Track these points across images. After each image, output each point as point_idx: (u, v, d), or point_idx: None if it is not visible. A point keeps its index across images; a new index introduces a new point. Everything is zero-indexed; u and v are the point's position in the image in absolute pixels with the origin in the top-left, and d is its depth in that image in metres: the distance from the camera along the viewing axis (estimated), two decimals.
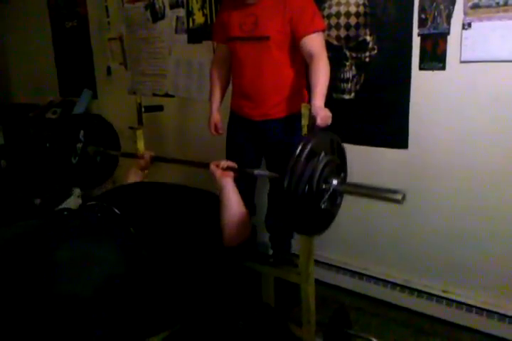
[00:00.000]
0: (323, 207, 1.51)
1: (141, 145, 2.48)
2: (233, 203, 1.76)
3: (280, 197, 1.46)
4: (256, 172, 1.89)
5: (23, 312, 1.29)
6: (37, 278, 1.31)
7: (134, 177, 2.19)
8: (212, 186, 2.00)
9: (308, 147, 1.45)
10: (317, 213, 1.54)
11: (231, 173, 1.84)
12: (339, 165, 1.60)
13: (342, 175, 1.60)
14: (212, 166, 1.84)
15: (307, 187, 1.45)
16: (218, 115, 2.45)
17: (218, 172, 1.82)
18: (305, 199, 1.45)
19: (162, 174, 2.73)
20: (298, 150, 1.44)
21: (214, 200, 1.89)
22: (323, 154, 1.50)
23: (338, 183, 1.52)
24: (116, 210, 1.61)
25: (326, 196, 1.50)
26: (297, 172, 1.42)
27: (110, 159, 2.45)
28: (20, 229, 1.52)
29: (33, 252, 1.37)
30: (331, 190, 1.51)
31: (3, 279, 1.33)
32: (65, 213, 1.64)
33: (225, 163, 1.84)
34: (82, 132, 2.29)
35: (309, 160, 1.45)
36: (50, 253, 1.37)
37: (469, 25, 2.02)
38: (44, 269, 1.33)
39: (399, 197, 1.42)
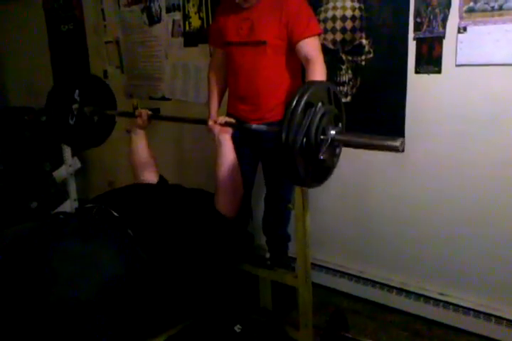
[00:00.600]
0: (321, 158, 1.49)
1: None
2: (229, 161, 1.85)
3: (279, 151, 1.44)
4: (254, 126, 1.91)
5: (23, 317, 1.29)
6: (35, 283, 1.31)
7: (136, 137, 2.23)
8: (209, 185, 2.01)
9: (305, 98, 1.42)
10: (316, 164, 1.52)
11: (229, 129, 1.90)
12: (336, 115, 1.57)
13: (340, 124, 1.58)
14: (211, 122, 1.89)
15: (305, 138, 1.43)
16: None
17: (217, 128, 1.88)
18: (303, 151, 1.43)
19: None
20: (294, 101, 1.41)
21: (210, 204, 1.90)
22: (320, 104, 1.47)
23: (336, 133, 1.50)
24: (114, 212, 1.61)
25: (325, 147, 1.48)
26: (294, 124, 1.40)
27: (108, 119, 2.42)
28: (18, 232, 1.52)
29: (31, 256, 1.37)
30: (329, 140, 1.49)
31: (2, 283, 1.33)
32: (61, 216, 1.65)
33: (223, 119, 1.89)
34: (77, 92, 2.25)
35: (306, 110, 1.43)
36: (48, 256, 1.37)
37: (465, 29, 2.03)
38: (42, 273, 1.33)
39: (397, 143, 1.40)
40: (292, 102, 1.42)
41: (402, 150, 1.43)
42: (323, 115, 1.46)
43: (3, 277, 1.35)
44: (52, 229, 1.52)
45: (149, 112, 2.22)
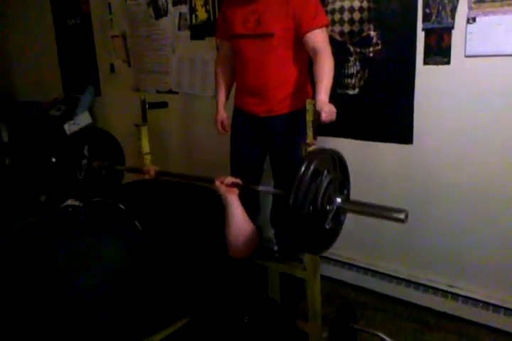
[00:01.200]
0: (327, 227, 1.52)
1: (145, 142, 2.49)
2: (239, 220, 1.78)
3: (285, 214, 1.46)
4: (261, 188, 1.91)
5: (32, 309, 1.30)
6: (43, 275, 1.32)
7: None
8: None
9: (312, 166, 1.45)
10: (321, 233, 1.55)
11: (236, 190, 1.83)
12: (342, 182, 1.60)
13: (345, 192, 1.61)
14: (217, 182, 1.83)
15: (311, 207, 1.46)
16: (225, 112, 2.45)
17: (223, 189, 1.82)
18: (309, 220, 1.46)
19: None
20: (302, 170, 1.44)
21: (218, 197, 1.91)
22: (325, 172, 1.51)
23: (341, 201, 1.55)
24: (121, 206, 1.62)
25: (330, 216, 1.52)
26: (302, 192, 1.43)
27: (116, 173, 2.46)
28: (26, 225, 1.53)
29: (39, 248, 1.38)
30: (335, 209, 1.53)
31: (11, 276, 1.34)
32: (70, 210, 1.65)
33: (229, 180, 1.83)
34: (86, 147, 2.31)
35: (313, 179, 1.46)
36: (56, 249, 1.38)
37: (474, 19, 2.02)
38: (50, 266, 1.33)
39: (402, 216, 1.45)
40: (301, 169, 1.45)
41: (406, 221, 1.47)
42: (329, 183, 1.49)
43: (11, 271, 1.36)
44: (61, 222, 1.53)
45: (157, 168, 2.21)
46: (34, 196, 3.89)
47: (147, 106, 2.49)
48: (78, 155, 2.30)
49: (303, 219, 1.44)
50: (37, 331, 1.31)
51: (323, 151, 1.65)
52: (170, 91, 3.39)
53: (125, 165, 2.55)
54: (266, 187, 1.96)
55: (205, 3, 3.00)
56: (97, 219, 1.58)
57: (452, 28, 2.08)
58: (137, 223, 1.57)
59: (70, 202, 3.10)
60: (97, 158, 2.36)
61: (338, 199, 1.54)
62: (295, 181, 1.43)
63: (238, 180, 1.86)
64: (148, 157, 2.50)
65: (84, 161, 2.29)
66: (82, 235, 1.47)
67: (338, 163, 1.61)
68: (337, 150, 1.66)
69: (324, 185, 1.48)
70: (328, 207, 1.51)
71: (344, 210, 1.59)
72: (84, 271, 1.36)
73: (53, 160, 2.33)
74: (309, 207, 1.45)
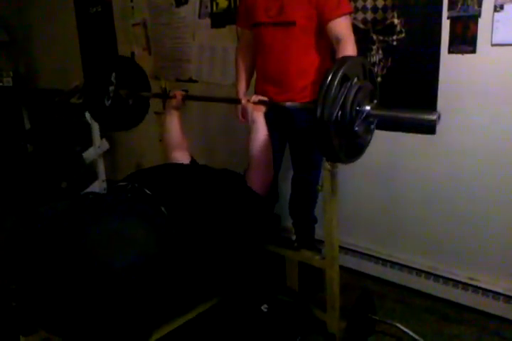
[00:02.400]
0: (356, 129, 1.49)
1: None
2: (262, 137, 1.92)
3: (313, 126, 1.45)
4: (288, 104, 1.96)
5: (65, 289, 1.32)
6: (70, 253, 1.34)
7: (170, 117, 2.28)
8: (236, 165, 2.02)
9: (341, 71, 1.42)
10: (350, 138, 1.53)
11: (262, 107, 1.96)
12: (371, 91, 1.57)
13: (375, 101, 1.58)
14: (244, 101, 1.98)
15: (340, 112, 1.44)
16: None
17: (250, 106, 1.95)
18: (338, 124, 1.44)
19: None
20: (330, 75, 1.42)
21: (241, 181, 1.92)
22: (356, 79, 1.48)
23: (371, 108, 1.52)
24: (146, 190, 1.63)
25: (360, 120, 1.50)
26: (330, 97, 1.41)
27: (142, 102, 2.47)
28: (55, 208, 1.55)
29: (69, 230, 1.39)
30: (364, 113, 1.51)
31: (44, 257, 1.37)
32: (91, 196, 1.67)
33: (256, 97, 1.96)
34: (114, 74, 2.32)
35: (342, 84, 1.44)
36: (85, 231, 1.40)
37: (501, 7, 1.97)
38: (77, 245, 1.35)
39: (433, 117, 1.41)
40: (329, 75, 1.42)
41: (436, 124, 1.43)
42: (359, 89, 1.46)
43: (44, 250, 1.38)
44: (90, 206, 1.54)
45: (183, 93, 2.25)
46: (56, 182, 3.94)
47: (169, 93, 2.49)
48: (105, 82, 2.31)
49: (331, 122, 1.41)
50: (71, 311, 1.34)
51: (352, 58, 1.62)
52: (190, 80, 3.39)
53: (150, 91, 2.55)
54: (293, 104, 1.99)
55: None
56: (123, 203, 1.59)
57: (479, 16, 2.03)
58: (163, 208, 1.58)
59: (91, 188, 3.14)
60: (124, 87, 2.37)
61: (368, 107, 1.52)
62: (323, 84, 1.41)
63: (264, 98, 1.97)
64: None
65: (112, 88, 2.32)
66: (110, 218, 1.48)
67: (367, 72, 1.58)
68: (366, 59, 1.62)
69: (354, 89, 1.46)
70: (358, 108, 1.48)
71: (374, 117, 1.56)
72: (111, 253, 1.37)
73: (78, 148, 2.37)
74: (338, 111, 1.43)
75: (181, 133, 2.27)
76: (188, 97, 2.27)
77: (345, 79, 1.44)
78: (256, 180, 1.90)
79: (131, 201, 1.60)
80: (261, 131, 1.93)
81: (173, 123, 2.26)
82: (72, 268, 1.32)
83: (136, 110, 2.44)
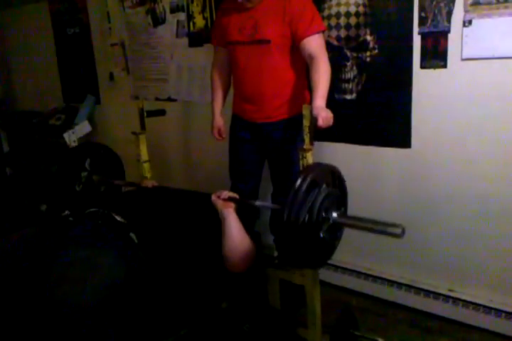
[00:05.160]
0: (322, 235, 1.52)
1: (144, 150, 2.49)
2: (235, 235, 1.75)
3: (280, 228, 1.47)
4: (257, 203, 1.90)
5: (25, 318, 1.29)
6: (39, 285, 1.31)
7: None
8: (216, 184, 2.01)
9: (309, 178, 1.46)
10: (317, 243, 1.55)
11: (232, 204, 1.82)
12: (339, 199, 1.61)
13: (342, 209, 1.62)
14: (214, 197, 1.83)
15: (307, 217, 1.46)
16: (221, 119, 2.46)
17: (220, 203, 1.81)
18: (305, 229, 1.46)
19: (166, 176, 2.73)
20: (299, 182, 1.45)
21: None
22: (324, 186, 1.51)
23: (338, 216, 1.55)
24: (117, 217, 1.62)
25: (326, 226, 1.53)
26: (297, 203, 1.43)
27: (114, 189, 2.47)
28: (22, 237, 1.53)
29: (35, 260, 1.37)
30: (331, 221, 1.54)
31: (4, 287, 1.34)
32: (71, 219, 1.65)
33: (226, 194, 1.83)
34: (88, 160, 2.33)
35: (310, 191, 1.47)
36: (52, 260, 1.38)
37: (470, 22, 2.01)
38: (44, 277, 1.33)
39: (398, 231, 1.45)
40: (298, 179, 1.46)
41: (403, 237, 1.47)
42: (326, 196, 1.50)
43: (5, 282, 1.36)
44: (56, 234, 1.53)
45: (155, 184, 2.23)
46: (35, 205, 3.89)
47: (145, 114, 2.50)
48: (79, 168, 2.31)
49: (298, 228, 1.43)
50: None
51: (322, 165, 1.65)
52: (169, 99, 3.40)
53: (125, 178, 2.57)
54: (262, 203, 1.96)
55: (203, 11, 3.01)
56: (92, 230, 1.58)
57: (448, 31, 2.08)
58: (132, 234, 1.57)
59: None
60: (97, 173, 2.38)
61: (335, 214, 1.54)
62: (290, 194, 1.44)
63: (235, 195, 1.85)
64: (147, 165, 2.51)
65: (84, 174, 2.31)
66: (77, 246, 1.46)
67: (337, 179, 1.61)
68: (337, 167, 1.66)
69: (321, 196, 1.48)
70: (324, 215, 1.50)
71: (340, 225, 1.60)
72: (77, 284, 1.35)
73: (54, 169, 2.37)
74: (305, 217, 1.45)
75: None
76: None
77: (313, 184, 1.48)
78: (234, 269, 1.80)
79: (100, 228, 1.58)
80: (233, 230, 1.77)
81: None
82: (33, 304, 1.29)
83: (108, 195, 2.45)
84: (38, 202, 3.92)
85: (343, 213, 1.62)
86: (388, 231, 1.49)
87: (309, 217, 1.46)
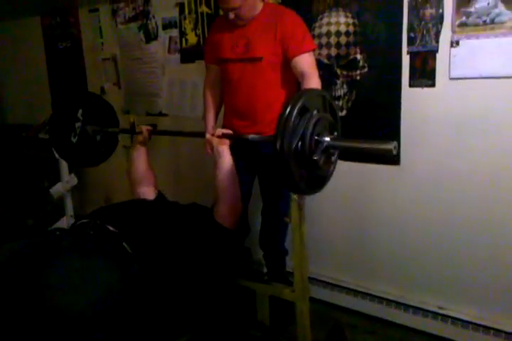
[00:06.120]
0: (315, 158, 1.50)
1: None
2: (228, 171, 1.90)
3: (274, 156, 1.46)
4: (250, 136, 1.96)
5: (20, 329, 1.28)
6: (33, 297, 1.30)
7: (136, 153, 2.25)
8: (205, 200, 2.01)
9: (300, 103, 1.44)
10: (311, 168, 1.54)
11: (227, 141, 1.94)
12: (332, 124, 1.60)
13: (335, 133, 1.60)
14: (208, 135, 1.96)
15: (300, 143, 1.46)
16: None
17: (215, 140, 1.93)
18: (298, 154, 1.46)
19: None
20: (289, 107, 1.43)
21: (206, 214, 1.91)
22: (315, 111, 1.50)
23: (331, 139, 1.54)
24: (109, 227, 1.61)
25: (320, 149, 1.51)
26: (289, 129, 1.42)
27: (110, 138, 2.46)
28: (15, 248, 1.51)
29: (28, 271, 1.36)
30: (324, 144, 1.52)
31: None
32: (58, 233, 1.64)
33: (219, 131, 1.95)
34: (80, 111, 2.29)
35: (301, 116, 1.45)
36: (44, 272, 1.37)
37: (457, 43, 2.06)
38: (38, 288, 1.32)
39: (391, 146, 1.44)
40: (287, 107, 1.44)
41: (396, 154, 1.51)
42: (318, 121, 1.48)
43: (2, 292, 1.34)
44: (49, 245, 1.52)
45: (150, 128, 2.25)
46: (22, 220, 3.86)
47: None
48: (72, 119, 2.28)
49: (291, 152, 1.43)
50: None
51: (312, 90, 1.63)
52: (160, 114, 3.41)
53: (119, 126, 2.53)
54: (255, 136, 1.98)
55: (195, 28, 3.04)
56: (84, 240, 1.57)
57: (436, 51, 2.12)
58: (125, 244, 1.56)
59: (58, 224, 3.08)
60: (91, 123, 2.35)
61: (327, 138, 1.53)
62: (281, 116, 1.42)
63: (229, 131, 1.96)
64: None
65: (78, 124, 2.29)
66: (71, 257, 1.46)
67: (327, 104, 1.60)
68: (327, 92, 1.65)
69: (313, 121, 1.47)
70: (316, 138, 1.49)
71: (334, 148, 1.58)
72: (73, 293, 1.34)
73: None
74: (297, 143, 1.44)
75: (148, 169, 2.24)
76: (154, 132, 2.27)
77: (304, 110, 1.46)
78: (224, 213, 1.89)
79: (93, 238, 1.58)
80: (226, 166, 1.93)
81: (140, 158, 2.24)
82: (30, 314, 1.28)
83: (104, 146, 2.43)
84: (25, 216, 3.89)
85: (336, 137, 1.60)
86: (381, 147, 1.49)
87: (302, 143, 1.46)
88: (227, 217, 1.88)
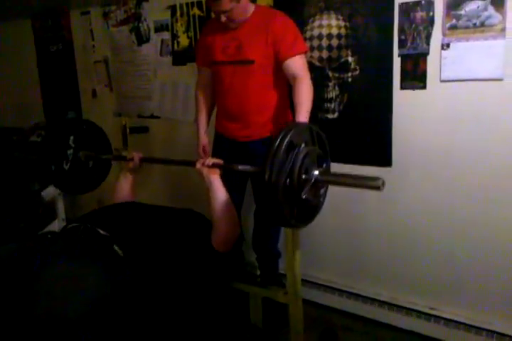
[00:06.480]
0: (304, 197, 1.52)
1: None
2: (221, 200, 1.84)
3: (262, 190, 1.47)
4: (240, 167, 1.93)
5: (10, 333, 1.27)
6: (23, 300, 1.30)
7: (124, 180, 2.22)
8: (199, 205, 2.01)
9: (287, 138, 1.46)
10: (299, 204, 1.55)
11: (217, 170, 1.91)
12: (320, 156, 1.61)
13: (324, 165, 1.62)
14: (198, 165, 1.91)
15: (288, 179, 1.47)
16: (206, 137, 2.47)
17: (205, 170, 1.89)
18: (287, 191, 1.47)
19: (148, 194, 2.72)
20: (277, 142, 1.45)
21: (201, 220, 1.90)
22: (303, 145, 1.51)
23: (319, 173, 1.55)
24: (100, 231, 1.61)
25: (308, 186, 1.52)
26: (277, 165, 1.44)
27: (103, 163, 2.45)
28: (4, 252, 1.51)
29: (18, 275, 1.36)
30: (313, 180, 1.54)
31: None
32: (49, 236, 1.64)
33: (210, 161, 1.91)
34: (72, 138, 2.29)
35: (289, 151, 1.47)
36: (34, 276, 1.36)
37: (448, 45, 2.07)
38: (28, 292, 1.31)
39: (378, 183, 1.46)
40: (275, 143, 1.46)
41: (382, 189, 1.48)
42: (305, 155, 1.50)
43: None
44: (39, 249, 1.51)
45: (141, 155, 2.23)
46: (13, 222, 3.83)
47: (128, 130, 2.50)
48: (63, 146, 2.28)
49: (279, 190, 1.44)
50: None
51: (299, 124, 1.65)
52: (152, 116, 3.40)
53: (111, 152, 2.53)
54: (244, 166, 1.96)
55: (187, 30, 3.04)
56: (75, 244, 1.57)
57: (427, 53, 2.13)
58: (116, 247, 1.56)
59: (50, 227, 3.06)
60: (83, 149, 2.34)
61: (316, 172, 1.55)
62: (269, 152, 1.44)
63: (219, 161, 1.92)
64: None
65: (70, 151, 2.28)
66: (61, 261, 1.45)
67: (316, 137, 1.61)
68: (314, 124, 1.66)
69: (301, 156, 1.48)
70: (304, 177, 1.50)
71: (323, 183, 1.59)
72: (64, 296, 1.34)
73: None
74: (286, 178, 1.45)
75: (130, 195, 2.20)
76: (145, 160, 2.24)
77: (291, 146, 1.48)
78: (220, 241, 1.84)
79: (83, 242, 1.57)
80: (219, 194, 1.86)
81: (125, 185, 2.21)
82: (19, 320, 1.28)
83: (97, 172, 2.44)
84: (17, 219, 3.86)
85: (325, 170, 1.62)
86: (369, 184, 1.51)
87: (290, 179, 1.47)
88: (222, 244, 1.84)
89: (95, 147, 2.40)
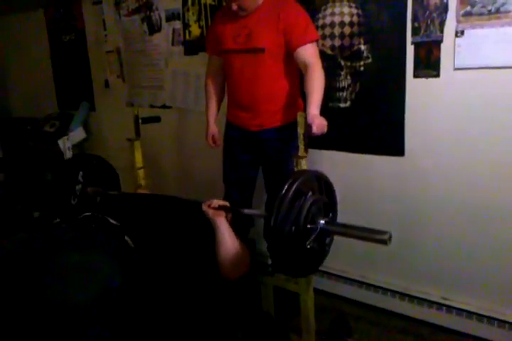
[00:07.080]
0: (309, 246, 1.51)
1: (138, 156, 2.50)
2: (227, 243, 1.78)
3: (267, 236, 1.47)
4: (246, 211, 1.90)
5: (23, 320, 1.29)
6: (33, 290, 1.31)
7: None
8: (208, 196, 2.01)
9: (294, 186, 1.46)
10: (304, 253, 1.54)
11: (223, 212, 1.84)
12: (327, 205, 1.60)
13: (330, 215, 1.62)
14: (204, 207, 1.84)
15: (294, 227, 1.46)
16: (215, 126, 2.46)
17: (210, 212, 1.82)
18: (291, 239, 1.46)
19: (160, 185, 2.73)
20: (284, 190, 1.45)
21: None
22: (310, 193, 1.51)
23: (325, 223, 1.55)
24: (111, 220, 1.62)
25: (313, 236, 1.52)
26: (283, 212, 1.43)
27: (110, 199, 2.43)
28: (18, 241, 1.53)
29: (30, 265, 1.37)
30: (318, 229, 1.53)
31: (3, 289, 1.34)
32: (63, 226, 1.65)
33: (216, 203, 1.84)
34: (81, 173, 2.31)
35: (296, 199, 1.46)
36: (47, 265, 1.38)
37: (462, 32, 2.04)
38: (39, 281, 1.33)
39: (385, 237, 1.46)
40: (282, 190, 1.45)
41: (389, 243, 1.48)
42: (312, 204, 1.49)
43: (4, 284, 1.36)
44: (51, 239, 1.53)
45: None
46: (28, 212, 3.88)
47: (140, 120, 2.50)
48: (72, 181, 2.30)
49: (284, 238, 1.43)
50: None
51: (306, 172, 1.65)
52: (163, 106, 3.41)
53: (120, 187, 2.54)
54: (250, 211, 1.96)
55: (199, 19, 3.03)
56: (86, 234, 1.58)
57: (441, 41, 2.10)
58: (127, 238, 1.57)
59: None
60: (91, 184, 2.36)
61: (322, 221, 1.54)
62: (276, 201, 1.44)
63: (225, 203, 1.86)
64: (141, 172, 2.51)
65: (78, 187, 2.30)
66: (72, 251, 1.47)
67: (323, 186, 1.61)
68: (324, 173, 1.66)
69: (307, 205, 1.48)
70: (310, 226, 1.50)
71: (328, 232, 1.59)
72: (72, 288, 1.35)
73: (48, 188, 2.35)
74: (291, 227, 1.44)
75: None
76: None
77: (298, 194, 1.47)
78: (228, 276, 1.82)
79: (94, 232, 1.59)
80: (225, 236, 1.80)
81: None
82: (31, 307, 1.29)
83: (104, 207, 2.42)
84: (31, 208, 3.91)
85: (331, 219, 1.61)
86: (375, 238, 1.50)
87: (296, 228, 1.46)
88: (231, 277, 1.83)
89: (104, 182, 2.42)
